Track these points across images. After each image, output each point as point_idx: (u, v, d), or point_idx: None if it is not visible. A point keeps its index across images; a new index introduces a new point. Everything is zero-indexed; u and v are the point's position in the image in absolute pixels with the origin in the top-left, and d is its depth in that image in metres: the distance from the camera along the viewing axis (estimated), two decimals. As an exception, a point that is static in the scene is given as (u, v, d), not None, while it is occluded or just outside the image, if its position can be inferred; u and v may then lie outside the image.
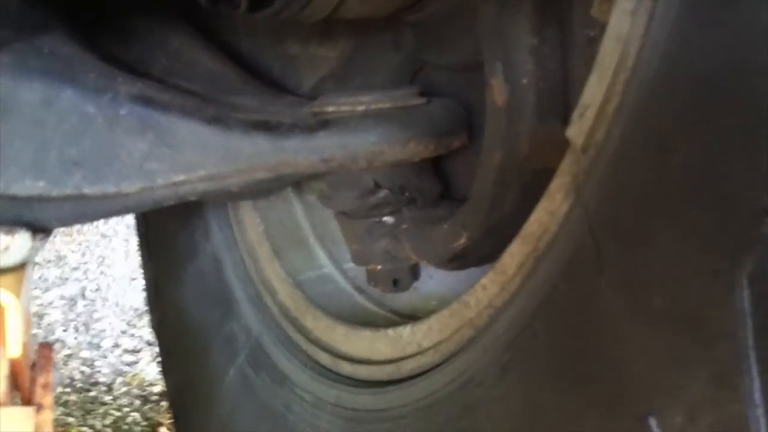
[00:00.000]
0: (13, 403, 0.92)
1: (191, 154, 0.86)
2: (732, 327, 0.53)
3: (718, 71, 0.56)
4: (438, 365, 0.92)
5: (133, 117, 0.84)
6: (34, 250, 0.86)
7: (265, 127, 0.90)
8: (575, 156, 0.71)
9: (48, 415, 0.92)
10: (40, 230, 0.86)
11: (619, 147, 0.63)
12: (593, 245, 0.65)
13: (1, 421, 0.84)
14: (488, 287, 0.86)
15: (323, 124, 0.92)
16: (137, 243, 1.60)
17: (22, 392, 0.98)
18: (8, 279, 0.86)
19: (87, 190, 0.83)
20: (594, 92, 0.68)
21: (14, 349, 0.88)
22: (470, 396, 0.82)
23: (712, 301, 0.54)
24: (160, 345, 1.50)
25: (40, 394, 0.98)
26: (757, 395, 0.52)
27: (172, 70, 1.01)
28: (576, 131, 0.70)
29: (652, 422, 0.59)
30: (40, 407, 0.96)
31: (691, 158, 0.56)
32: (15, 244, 0.83)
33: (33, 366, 0.99)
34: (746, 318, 0.52)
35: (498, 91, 0.89)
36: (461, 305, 0.91)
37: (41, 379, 0.99)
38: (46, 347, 1.01)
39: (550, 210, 0.77)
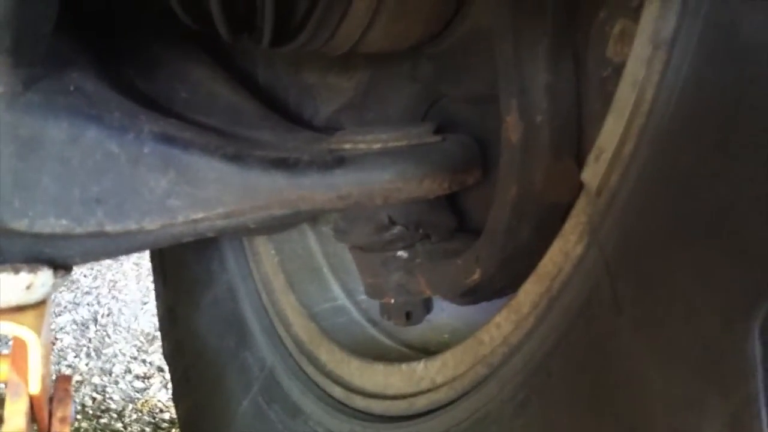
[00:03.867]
0: (31, 437, 0.92)
1: (211, 191, 0.87)
2: (745, 373, 0.54)
3: (733, 118, 0.57)
4: (452, 401, 0.92)
5: (156, 155, 0.85)
6: (56, 287, 0.87)
7: (284, 164, 0.91)
8: (590, 198, 0.72)
9: (65, 449, 0.93)
10: (62, 267, 0.87)
11: (635, 191, 0.64)
12: (610, 286, 0.66)
13: (20, 457, 0.85)
14: (502, 325, 0.87)
15: (340, 161, 0.93)
16: (152, 270, 1.60)
17: (40, 426, 0.98)
18: (30, 316, 0.86)
19: (109, 227, 0.84)
20: (609, 136, 0.69)
21: (35, 385, 0.89)
22: (486, 433, 0.83)
23: (727, 346, 0.55)
24: (174, 372, 1.50)
25: (57, 428, 0.99)
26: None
27: (191, 103, 1.02)
28: (591, 174, 0.71)
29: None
30: (57, 441, 0.97)
31: (707, 204, 0.57)
32: (37, 282, 0.84)
33: (51, 399, 0.99)
34: (757, 366, 0.53)
35: (513, 128, 0.89)
36: (475, 342, 0.91)
37: (59, 413, 0.99)
38: (65, 380, 1.02)
39: (564, 250, 0.77)
